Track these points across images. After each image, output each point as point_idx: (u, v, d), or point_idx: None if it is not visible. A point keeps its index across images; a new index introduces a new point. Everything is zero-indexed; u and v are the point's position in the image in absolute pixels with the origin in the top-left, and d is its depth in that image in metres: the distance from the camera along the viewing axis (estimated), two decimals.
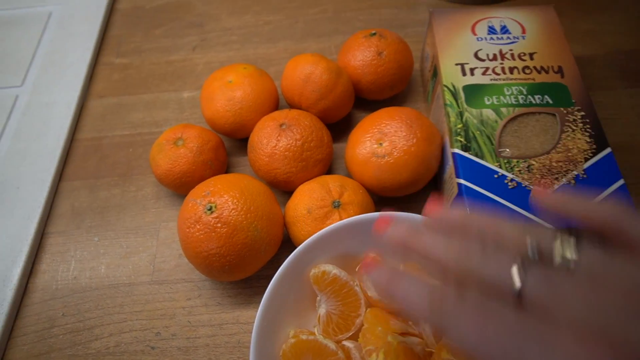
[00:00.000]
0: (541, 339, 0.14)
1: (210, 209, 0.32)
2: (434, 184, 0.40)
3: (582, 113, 0.34)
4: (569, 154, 0.32)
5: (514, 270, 0.16)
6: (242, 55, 0.54)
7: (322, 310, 0.32)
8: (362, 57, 0.42)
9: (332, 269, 0.32)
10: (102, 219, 0.42)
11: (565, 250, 0.16)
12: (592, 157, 0.32)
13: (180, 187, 0.39)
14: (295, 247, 0.37)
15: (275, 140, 0.37)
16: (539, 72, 0.37)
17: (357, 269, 0.34)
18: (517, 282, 0.16)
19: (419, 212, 0.40)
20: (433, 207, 0.22)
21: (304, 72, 0.40)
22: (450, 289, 0.18)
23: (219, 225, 0.32)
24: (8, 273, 0.38)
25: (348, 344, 0.31)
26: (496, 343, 0.15)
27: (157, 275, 0.38)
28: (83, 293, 0.38)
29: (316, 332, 0.31)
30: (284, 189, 0.39)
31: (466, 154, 0.33)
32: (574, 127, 0.34)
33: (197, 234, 0.32)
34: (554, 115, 0.35)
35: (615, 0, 0.53)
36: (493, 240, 0.18)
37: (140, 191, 0.44)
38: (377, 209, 0.40)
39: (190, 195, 0.34)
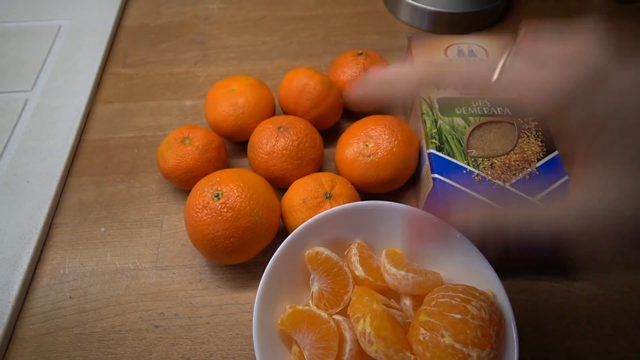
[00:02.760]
0: None
1: (217, 196, 0.36)
2: (412, 183, 0.46)
3: (535, 123, 0.41)
4: (525, 155, 0.38)
5: None
6: (240, 70, 0.59)
7: (314, 288, 0.36)
8: (350, 72, 0.48)
9: (325, 251, 0.36)
10: (108, 212, 0.45)
11: None
12: (543, 157, 0.38)
13: (185, 182, 0.43)
14: None
15: (274, 140, 0.42)
16: None
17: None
18: None
19: None
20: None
21: (301, 82, 0.46)
22: None
23: (225, 210, 0.36)
24: (18, 258, 0.41)
25: (337, 317, 0.35)
26: None
27: (160, 261, 0.42)
28: (90, 277, 0.41)
29: (310, 305, 0.35)
30: (280, 185, 0.44)
31: (440, 154, 0.39)
32: (529, 134, 0.40)
33: (205, 218, 0.36)
34: (512, 123, 0.41)
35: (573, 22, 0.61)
36: None
37: (145, 187, 0.47)
38: None
39: (198, 185, 0.38)
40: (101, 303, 0.39)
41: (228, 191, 0.37)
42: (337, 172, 0.45)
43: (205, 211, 0.36)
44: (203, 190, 0.37)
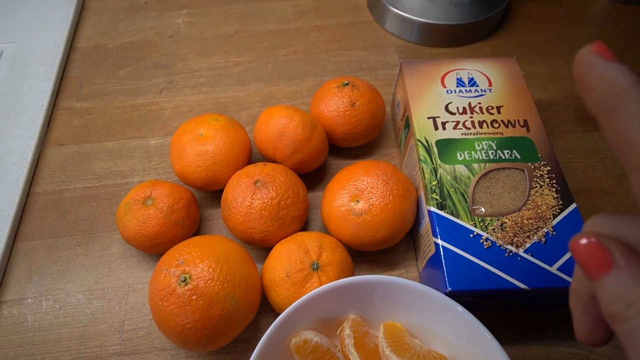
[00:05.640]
0: None
1: (184, 280, 0.31)
2: (410, 235, 0.41)
3: (548, 168, 0.36)
4: (539, 211, 0.34)
5: None
6: (211, 98, 0.52)
7: None
8: (335, 107, 0.42)
9: (314, 337, 0.31)
10: (63, 284, 0.39)
11: None
12: (559, 213, 0.33)
13: (150, 248, 0.37)
14: (273, 310, 0.36)
15: (250, 199, 0.36)
16: (507, 126, 0.38)
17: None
18: None
19: (395, 263, 0.40)
20: None
21: (278, 126, 0.40)
22: None
23: (195, 297, 0.30)
24: None
25: None
26: None
27: (127, 344, 0.36)
28: None
29: None
30: (259, 246, 0.38)
31: (442, 213, 0.34)
32: (542, 183, 0.35)
33: (171, 307, 0.31)
34: (522, 170, 0.36)
35: (568, 45, 0.56)
36: None
37: (106, 250, 0.41)
38: (355, 262, 0.40)
39: (162, 263, 0.33)
40: None
41: (197, 273, 0.31)
42: (324, 225, 0.40)
43: (172, 299, 0.31)
44: (168, 272, 0.32)
